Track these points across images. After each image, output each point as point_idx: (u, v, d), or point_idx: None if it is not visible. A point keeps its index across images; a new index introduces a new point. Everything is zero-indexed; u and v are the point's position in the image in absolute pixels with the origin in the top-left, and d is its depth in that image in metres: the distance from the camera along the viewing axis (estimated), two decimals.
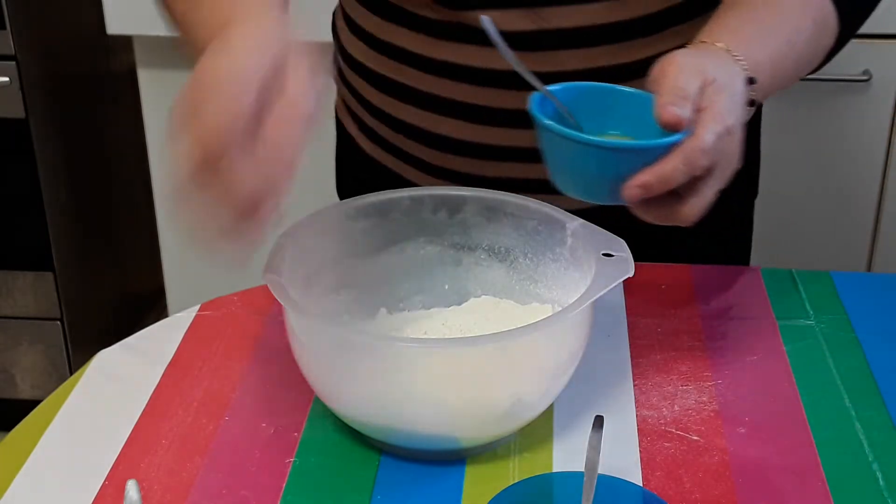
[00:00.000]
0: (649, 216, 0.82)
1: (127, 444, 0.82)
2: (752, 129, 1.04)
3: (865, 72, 1.76)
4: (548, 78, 0.93)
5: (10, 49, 1.90)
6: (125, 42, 1.96)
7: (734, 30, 0.86)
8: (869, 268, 1.93)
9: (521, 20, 0.95)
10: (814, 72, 0.94)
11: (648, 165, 0.78)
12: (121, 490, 0.77)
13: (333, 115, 1.18)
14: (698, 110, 0.78)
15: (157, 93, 1.95)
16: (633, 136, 0.82)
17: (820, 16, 0.91)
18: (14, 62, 1.91)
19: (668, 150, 0.77)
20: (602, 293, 0.78)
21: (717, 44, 0.84)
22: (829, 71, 1.01)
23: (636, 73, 0.94)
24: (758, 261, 1.19)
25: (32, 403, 0.91)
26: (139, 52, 1.93)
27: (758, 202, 1.18)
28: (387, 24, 1.01)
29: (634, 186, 0.78)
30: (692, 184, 0.78)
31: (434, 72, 1.00)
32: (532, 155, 1.00)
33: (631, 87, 0.89)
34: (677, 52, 0.83)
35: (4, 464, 0.80)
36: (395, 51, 1.02)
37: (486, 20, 0.84)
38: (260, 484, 0.78)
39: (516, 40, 0.94)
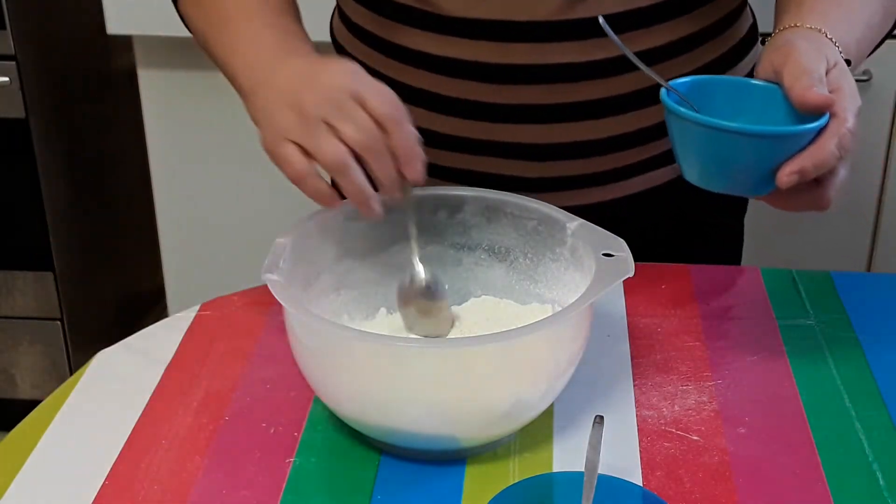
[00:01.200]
0: (790, 205, 0.83)
1: (127, 444, 0.82)
2: None
3: (866, 72, 1.76)
4: (555, 69, 0.93)
5: (10, 49, 1.91)
6: (125, 42, 1.96)
7: (822, 13, 0.87)
8: (869, 268, 1.93)
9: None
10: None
11: (797, 152, 0.79)
12: (121, 490, 0.78)
13: None
14: (830, 91, 0.80)
15: (157, 93, 1.95)
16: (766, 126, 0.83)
17: (889, 1, 0.93)
18: (14, 62, 1.91)
19: (817, 134, 0.79)
20: (602, 293, 0.78)
21: (808, 26, 0.85)
22: None
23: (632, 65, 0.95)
24: (758, 261, 1.19)
25: (32, 403, 0.91)
26: (139, 52, 1.93)
27: (758, 202, 1.18)
28: (384, 20, 1.01)
29: (790, 173, 0.79)
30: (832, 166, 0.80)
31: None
32: (527, 152, 1.00)
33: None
34: (790, 38, 0.84)
35: (4, 464, 0.80)
36: (393, 48, 1.02)
37: (603, 20, 0.86)
38: (260, 484, 0.78)
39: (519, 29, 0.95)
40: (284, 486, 0.78)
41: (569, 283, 0.87)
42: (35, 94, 1.97)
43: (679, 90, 0.84)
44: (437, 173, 1.03)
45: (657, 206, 1.07)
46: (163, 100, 1.95)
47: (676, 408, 0.86)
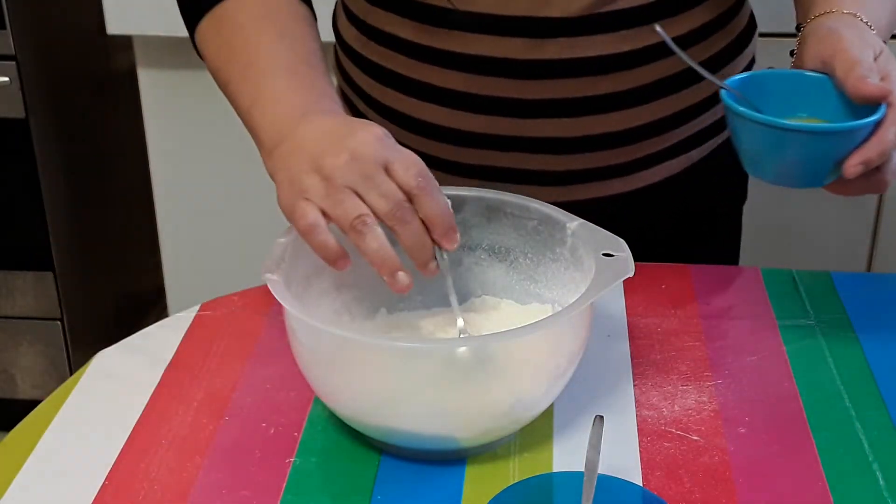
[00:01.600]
0: (850, 191, 0.85)
1: (127, 444, 0.82)
2: None
3: None
4: (561, 63, 0.94)
5: (10, 49, 1.90)
6: (125, 42, 1.96)
7: None
8: (869, 268, 1.93)
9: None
10: None
11: (860, 143, 0.81)
12: (121, 490, 0.78)
13: None
14: (880, 79, 0.82)
15: (157, 93, 1.95)
16: (821, 117, 0.85)
17: None
18: (14, 62, 1.91)
19: (879, 124, 0.81)
20: (602, 293, 0.78)
21: (844, 11, 0.87)
22: None
23: (645, 59, 0.96)
24: (758, 261, 1.19)
25: (32, 403, 0.91)
26: (139, 52, 1.93)
27: (758, 202, 1.18)
28: (410, 22, 1.01)
29: (856, 164, 0.81)
30: None
31: (422, 59, 1.00)
32: (553, 145, 1.01)
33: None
34: (832, 26, 0.85)
35: (4, 464, 0.80)
36: (384, 36, 1.02)
37: (659, 28, 0.88)
38: (260, 484, 0.78)
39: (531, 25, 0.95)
40: (284, 486, 0.78)
41: (569, 283, 0.87)
42: (35, 94, 1.97)
43: (734, 87, 0.86)
44: (460, 171, 1.03)
45: (669, 197, 1.08)
46: (163, 100, 1.95)
47: (676, 408, 0.86)
